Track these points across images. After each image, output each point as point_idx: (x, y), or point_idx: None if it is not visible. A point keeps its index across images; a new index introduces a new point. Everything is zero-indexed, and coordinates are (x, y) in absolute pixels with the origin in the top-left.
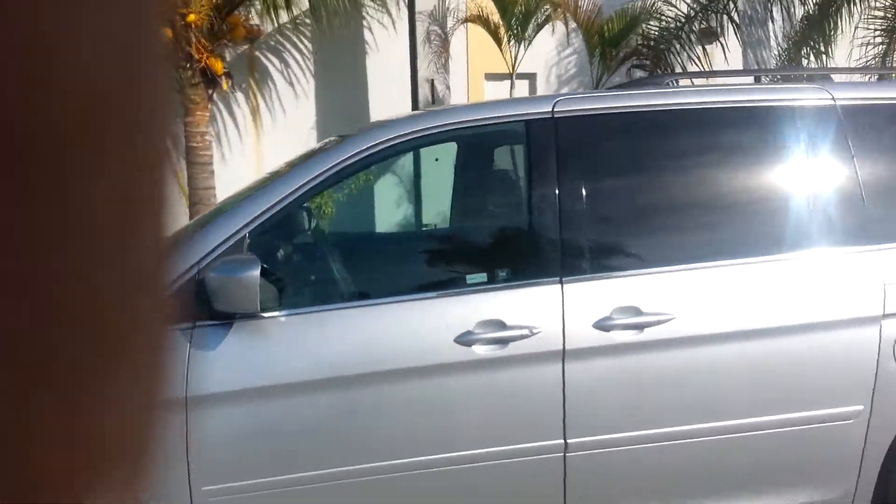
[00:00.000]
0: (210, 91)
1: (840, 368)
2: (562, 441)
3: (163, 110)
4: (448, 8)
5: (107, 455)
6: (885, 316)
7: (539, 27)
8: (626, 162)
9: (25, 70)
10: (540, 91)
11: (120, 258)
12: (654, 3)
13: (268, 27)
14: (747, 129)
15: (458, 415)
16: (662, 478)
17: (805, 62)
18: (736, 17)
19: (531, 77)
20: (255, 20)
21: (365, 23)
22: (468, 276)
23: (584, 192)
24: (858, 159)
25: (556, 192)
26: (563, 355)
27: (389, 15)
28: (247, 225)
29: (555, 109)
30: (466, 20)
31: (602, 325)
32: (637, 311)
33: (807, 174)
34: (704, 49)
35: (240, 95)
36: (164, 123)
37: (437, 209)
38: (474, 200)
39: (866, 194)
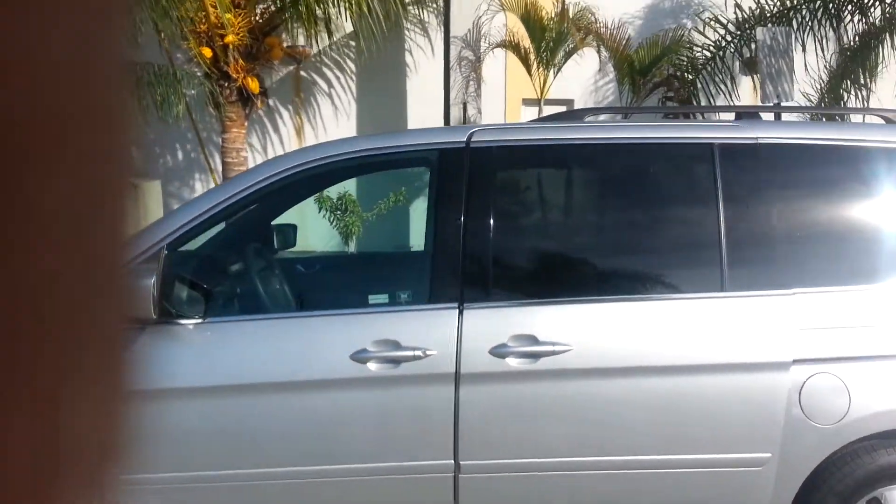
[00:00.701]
0: (247, 109)
1: (745, 413)
2: (452, 461)
3: (121, 120)
4: (482, 33)
5: (70, 456)
6: (794, 361)
7: (568, 55)
8: (535, 194)
9: None
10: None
11: (78, 261)
12: (682, 35)
13: (314, 48)
14: (658, 166)
15: (350, 429)
16: None
17: (846, 96)
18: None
19: (569, 103)
20: (301, 41)
21: (406, 45)
22: (370, 297)
23: (490, 221)
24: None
25: (462, 220)
26: (458, 378)
27: (428, 38)
28: (164, 238)
29: (470, 140)
30: (496, 46)
31: (498, 352)
32: (534, 341)
33: (717, 214)
34: (733, 79)
35: (285, 113)
36: (122, 132)
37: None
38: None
39: (775, 237)
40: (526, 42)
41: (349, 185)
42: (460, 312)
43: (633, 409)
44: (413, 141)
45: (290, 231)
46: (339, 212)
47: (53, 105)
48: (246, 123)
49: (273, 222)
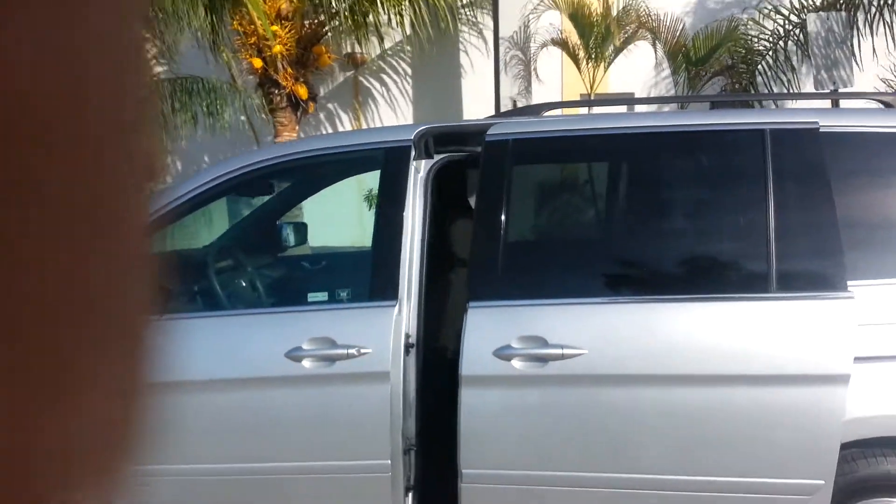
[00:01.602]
0: (297, 114)
1: (791, 432)
2: (388, 461)
3: (143, 113)
4: (530, 33)
5: (86, 450)
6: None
7: (618, 49)
8: (543, 188)
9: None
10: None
11: (101, 251)
12: (736, 26)
13: (371, 55)
14: (698, 154)
15: (284, 427)
16: None
17: None
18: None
19: (628, 97)
20: (355, 49)
21: (460, 46)
22: (310, 295)
23: (498, 217)
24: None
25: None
26: (458, 380)
27: (483, 38)
28: None
29: (415, 138)
30: (544, 44)
31: (502, 354)
32: (542, 343)
33: (764, 207)
34: (793, 68)
35: (344, 117)
36: (144, 132)
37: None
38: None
39: (832, 232)
40: (575, 38)
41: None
42: (465, 311)
43: (653, 422)
44: (363, 140)
45: (297, 229)
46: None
47: (70, 103)
48: (297, 127)
49: (279, 221)
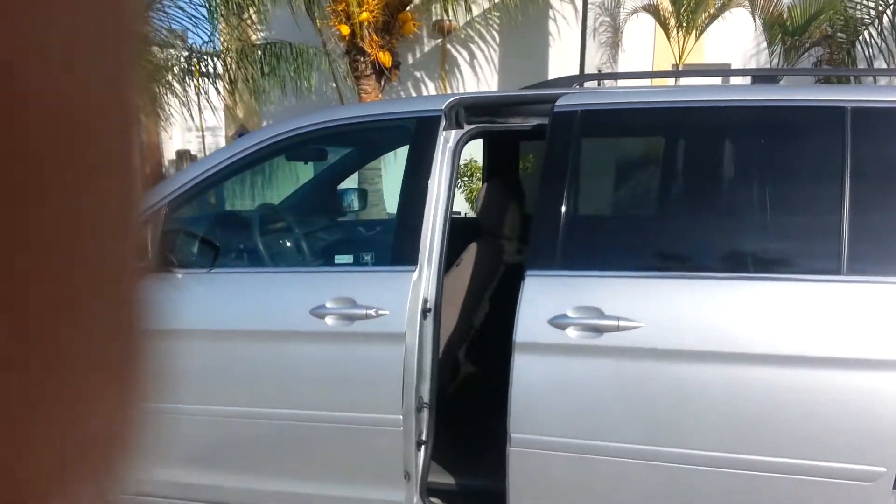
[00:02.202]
0: (381, 83)
1: (853, 417)
2: (400, 416)
3: (136, 115)
4: None
5: (83, 455)
6: None
7: (712, 17)
8: (607, 161)
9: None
10: (733, 83)
11: (100, 252)
12: None
13: (459, 22)
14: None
15: (306, 378)
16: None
17: None
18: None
19: (725, 67)
20: (442, 16)
21: (550, 13)
22: (336, 257)
23: (560, 187)
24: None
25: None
26: (513, 347)
27: (574, 4)
28: (165, 198)
29: (446, 108)
30: (634, 11)
31: (557, 323)
32: (598, 313)
33: (840, 184)
34: None
35: (431, 85)
36: (138, 129)
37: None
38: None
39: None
40: (667, 4)
41: (475, 152)
42: (523, 279)
43: (708, 399)
44: (396, 109)
45: (355, 195)
46: (465, 178)
47: (64, 105)
48: (381, 95)
49: (339, 187)
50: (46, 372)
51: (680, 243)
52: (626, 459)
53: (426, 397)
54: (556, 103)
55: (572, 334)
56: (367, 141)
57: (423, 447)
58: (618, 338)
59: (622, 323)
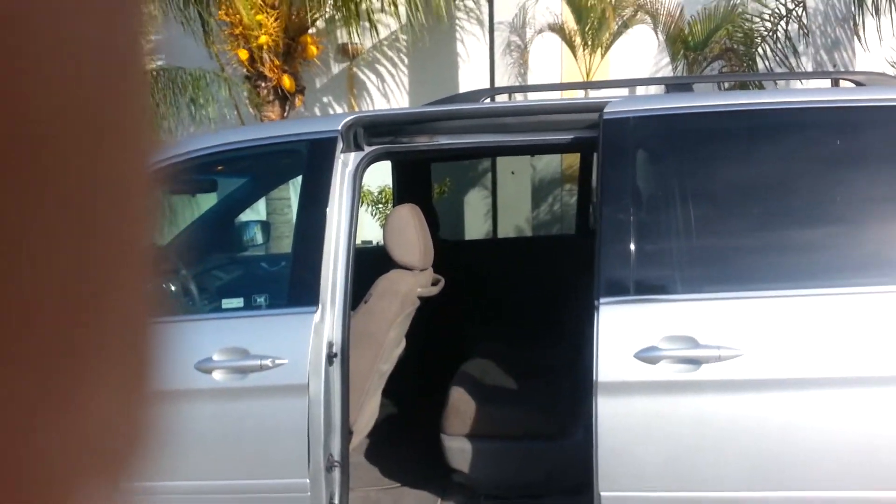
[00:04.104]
0: (285, 108)
1: None
2: (307, 480)
3: (144, 117)
4: (527, 18)
5: (95, 451)
6: None
7: (615, 35)
8: (680, 170)
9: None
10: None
11: (107, 253)
12: (735, 7)
13: (366, 45)
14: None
15: (195, 443)
16: None
17: None
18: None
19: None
20: (347, 38)
21: (458, 34)
22: (224, 301)
23: (628, 204)
24: None
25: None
26: (595, 389)
27: (480, 24)
28: None
29: (342, 128)
30: (541, 30)
31: (646, 356)
32: (692, 343)
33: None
34: (795, 50)
35: (339, 110)
36: (146, 131)
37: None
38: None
39: None
40: (573, 23)
41: (388, 178)
42: (596, 309)
43: (825, 430)
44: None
45: (257, 228)
46: (380, 205)
47: (70, 99)
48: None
49: (237, 219)
50: (56, 367)
51: (779, 256)
52: None
53: (336, 454)
54: (605, 111)
55: (666, 369)
56: (259, 168)
57: None
58: (719, 369)
59: (723, 352)
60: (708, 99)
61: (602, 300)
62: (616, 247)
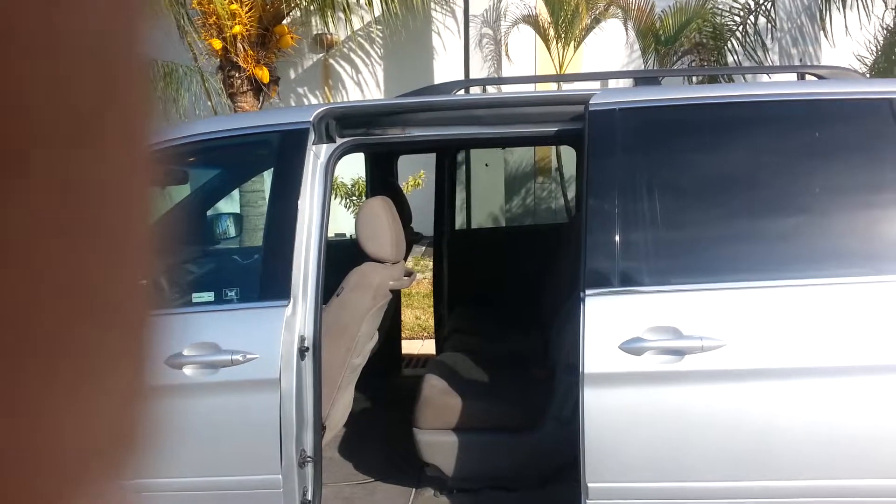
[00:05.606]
0: (259, 99)
1: None
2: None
3: (145, 109)
4: (503, 10)
5: (98, 446)
6: None
7: (588, 28)
8: (652, 160)
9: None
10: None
11: (109, 247)
12: (705, 2)
13: (341, 36)
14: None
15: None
16: None
17: None
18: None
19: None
20: (322, 29)
21: (433, 27)
22: (195, 295)
23: (611, 197)
24: None
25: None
26: (581, 380)
27: (455, 17)
28: None
29: (314, 120)
30: (515, 23)
31: (631, 348)
32: (676, 334)
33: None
34: (764, 45)
35: (314, 101)
36: (147, 123)
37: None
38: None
39: None
40: (546, 16)
41: (361, 171)
42: (581, 301)
43: (808, 420)
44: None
45: (230, 220)
46: (353, 197)
47: (73, 95)
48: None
49: (209, 212)
50: (57, 365)
51: (763, 247)
52: (721, 500)
53: (309, 449)
54: (590, 102)
55: (651, 360)
56: (230, 160)
57: None
58: (703, 360)
59: (706, 343)
60: (695, 91)
61: (587, 292)
62: (601, 238)
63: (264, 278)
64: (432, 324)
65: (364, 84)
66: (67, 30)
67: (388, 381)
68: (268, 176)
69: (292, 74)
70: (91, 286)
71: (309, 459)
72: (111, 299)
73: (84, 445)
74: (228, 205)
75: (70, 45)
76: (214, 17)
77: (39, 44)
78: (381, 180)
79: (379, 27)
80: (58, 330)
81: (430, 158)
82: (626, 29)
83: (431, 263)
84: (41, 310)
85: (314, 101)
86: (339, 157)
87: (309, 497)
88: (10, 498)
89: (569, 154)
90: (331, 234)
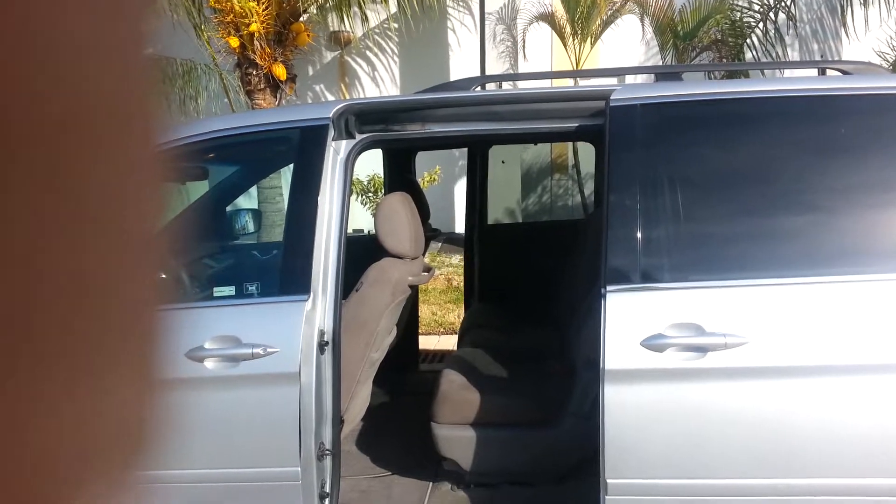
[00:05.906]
0: (277, 96)
1: None
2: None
3: (148, 108)
4: (518, 7)
5: (102, 444)
6: None
7: (605, 23)
8: (679, 156)
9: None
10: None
11: (111, 245)
12: None
13: (358, 33)
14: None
15: (187, 432)
16: None
17: None
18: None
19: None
20: (338, 27)
21: (449, 24)
22: (216, 290)
23: (636, 192)
24: None
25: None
26: (602, 376)
27: (471, 14)
28: None
29: (334, 116)
30: (531, 20)
31: (653, 344)
32: (699, 331)
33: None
34: (783, 41)
35: (331, 98)
36: (150, 122)
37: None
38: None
39: None
40: (562, 12)
41: (378, 167)
42: (602, 297)
43: (831, 418)
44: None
45: (249, 216)
46: (370, 193)
47: (73, 95)
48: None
49: (229, 208)
50: (62, 361)
51: (786, 243)
52: (743, 497)
53: (328, 442)
54: (612, 98)
55: (672, 357)
56: (250, 156)
57: (326, 500)
58: (726, 357)
59: (729, 340)
60: (717, 86)
61: (609, 288)
62: (623, 235)
63: (285, 273)
64: (448, 319)
65: (380, 81)
66: (67, 30)
67: (405, 375)
68: (286, 172)
69: (309, 72)
70: (91, 286)
71: (328, 452)
72: (112, 299)
73: (84, 445)
74: (246, 201)
75: (70, 45)
76: (232, 14)
77: (39, 44)
78: (400, 176)
79: (395, 24)
80: (58, 329)
81: (447, 155)
82: (643, 25)
83: (450, 260)
84: (41, 309)
85: (331, 98)
86: (359, 153)
87: (327, 489)
88: (9, 498)
89: (585, 151)
90: (348, 230)
